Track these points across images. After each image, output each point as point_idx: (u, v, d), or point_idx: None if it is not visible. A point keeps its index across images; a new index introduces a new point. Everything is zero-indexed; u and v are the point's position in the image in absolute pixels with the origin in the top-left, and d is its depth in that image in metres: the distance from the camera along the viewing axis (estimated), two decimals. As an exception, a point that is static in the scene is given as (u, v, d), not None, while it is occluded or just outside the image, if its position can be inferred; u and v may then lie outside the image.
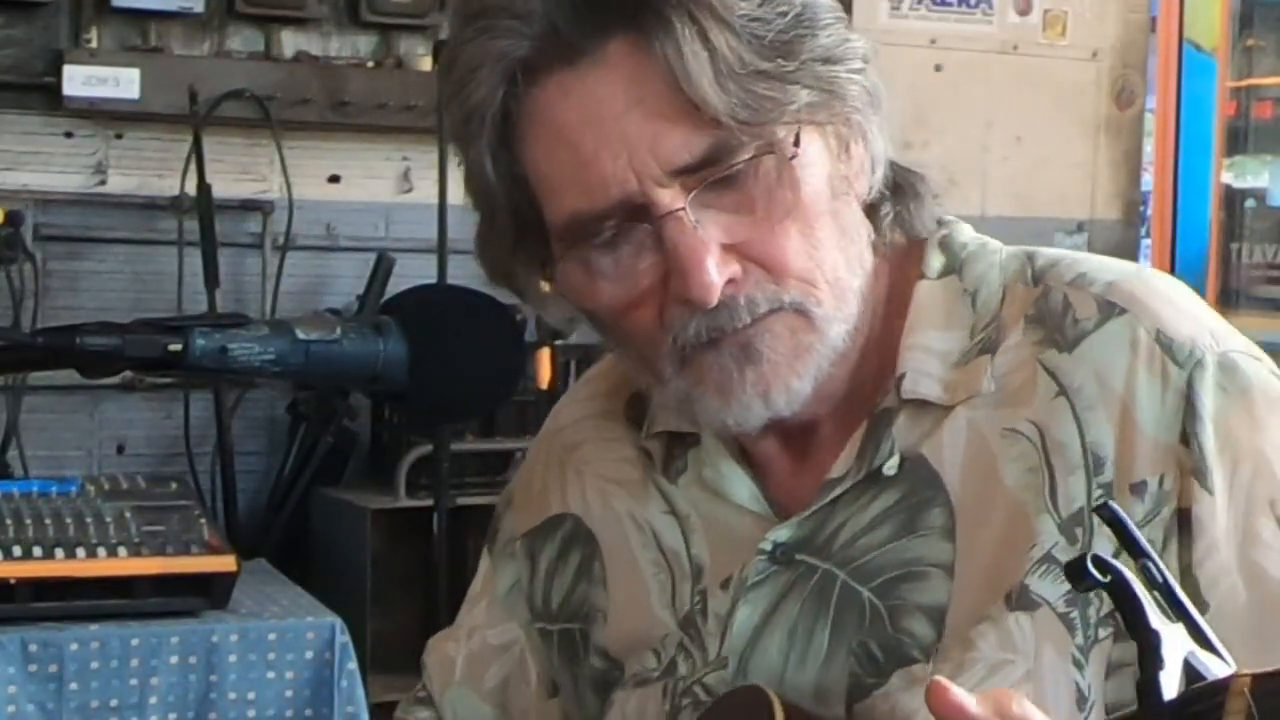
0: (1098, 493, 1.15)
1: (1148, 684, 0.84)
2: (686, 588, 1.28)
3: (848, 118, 1.18)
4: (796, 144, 1.14)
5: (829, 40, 1.15)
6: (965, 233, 1.28)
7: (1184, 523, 1.15)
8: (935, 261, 1.25)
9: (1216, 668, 0.84)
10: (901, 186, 1.24)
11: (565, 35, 1.12)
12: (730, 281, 1.14)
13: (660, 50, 1.11)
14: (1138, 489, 1.15)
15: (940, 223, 1.28)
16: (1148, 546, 0.91)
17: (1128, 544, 0.91)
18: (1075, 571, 0.88)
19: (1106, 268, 1.23)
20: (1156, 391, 1.16)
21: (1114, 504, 0.96)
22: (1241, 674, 0.80)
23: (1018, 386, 1.20)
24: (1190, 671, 0.84)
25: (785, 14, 1.14)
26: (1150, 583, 0.88)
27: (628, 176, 1.12)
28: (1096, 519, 1.13)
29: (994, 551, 1.17)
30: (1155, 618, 0.85)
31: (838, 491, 1.22)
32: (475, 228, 1.24)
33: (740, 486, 1.27)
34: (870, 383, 1.24)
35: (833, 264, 1.17)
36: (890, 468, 1.21)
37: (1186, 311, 1.20)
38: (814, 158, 1.16)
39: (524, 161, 1.17)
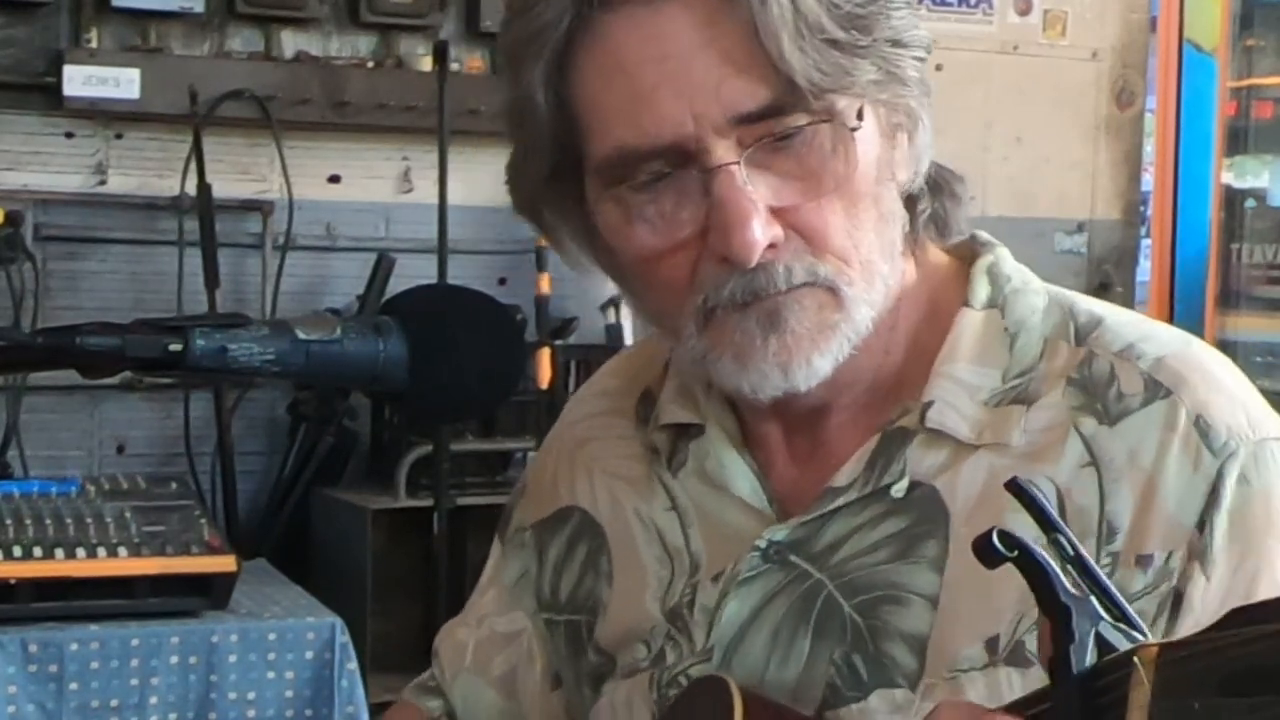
0: (1105, 561, 1.15)
1: (1058, 658, 0.84)
2: (682, 582, 1.28)
3: (904, 104, 1.18)
4: (860, 117, 1.14)
5: (900, 23, 1.16)
6: (1008, 262, 1.27)
7: (1176, 601, 1.14)
8: (981, 291, 1.25)
9: (1130, 640, 0.84)
10: (940, 185, 1.24)
11: None
12: (770, 246, 1.13)
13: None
14: (1144, 561, 1.14)
15: (983, 243, 1.28)
16: (1059, 520, 0.90)
17: (1038, 518, 0.91)
18: (982, 548, 0.88)
19: (1153, 339, 1.22)
20: (1186, 473, 1.15)
21: (1021, 478, 0.95)
22: (1148, 644, 0.80)
23: (1046, 445, 1.19)
24: (1102, 644, 0.84)
25: None
26: (1063, 557, 0.88)
27: (685, 119, 1.11)
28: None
29: (983, 595, 1.16)
30: (1065, 592, 0.85)
31: (840, 502, 1.21)
32: (510, 156, 1.23)
33: (741, 478, 1.27)
34: (890, 385, 1.23)
35: (868, 246, 1.17)
36: (899, 490, 1.20)
37: (1229, 394, 1.19)
38: (868, 136, 1.16)
39: (577, 90, 1.15)
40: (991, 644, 1.15)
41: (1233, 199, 5.32)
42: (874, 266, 1.17)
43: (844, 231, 1.15)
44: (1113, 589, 0.87)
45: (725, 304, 1.15)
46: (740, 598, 1.24)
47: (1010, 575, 1.11)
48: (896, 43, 1.16)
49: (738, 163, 1.12)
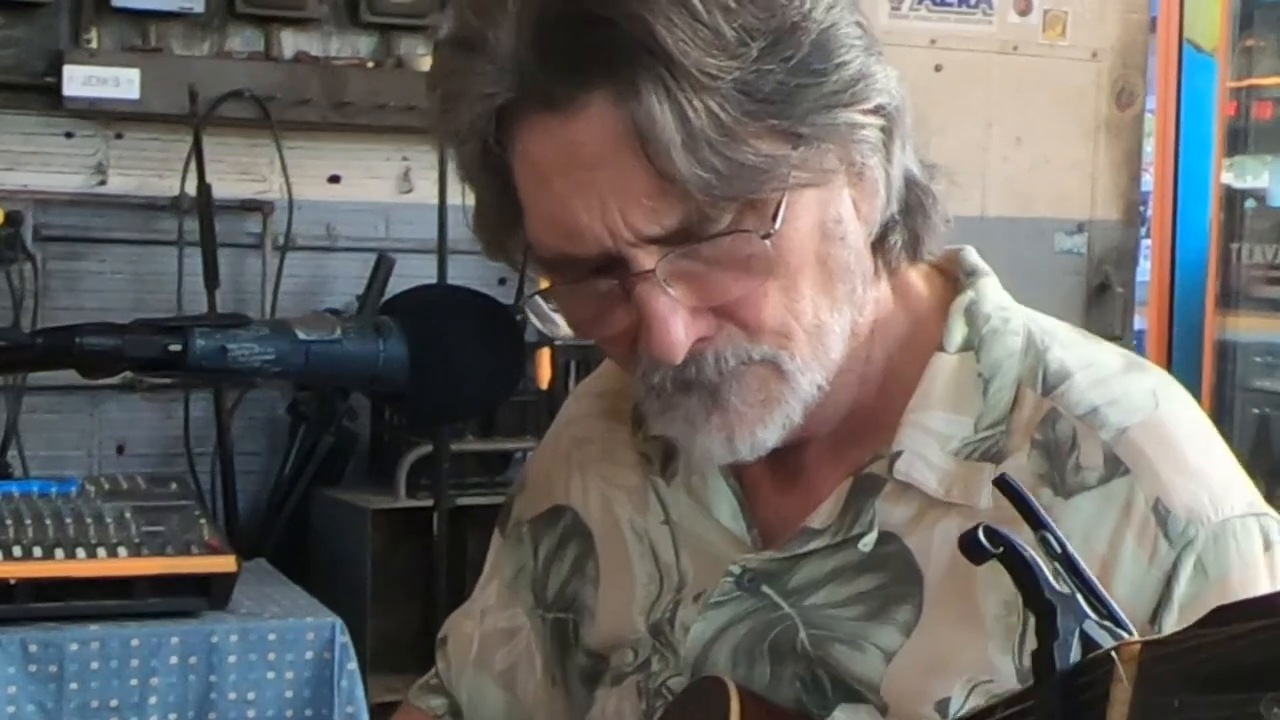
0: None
1: (1042, 654, 0.84)
2: (668, 598, 1.29)
3: (856, 153, 1.12)
4: (775, 218, 1.08)
5: (843, 78, 1.09)
6: (990, 298, 1.23)
7: None
8: (957, 334, 1.21)
9: (1115, 638, 0.84)
10: (911, 206, 1.19)
11: (543, 84, 1.07)
12: (701, 338, 1.11)
13: (631, 115, 1.05)
14: None
15: (969, 271, 1.24)
16: (1046, 518, 0.90)
17: (1026, 515, 0.90)
18: (968, 544, 0.88)
19: (1120, 403, 1.17)
20: (1141, 564, 1.12)
21: (1009, 476, 0.94)
22: (1132, 641, 0.79)
23: (1012, 514, 1.17)
24: (1087, 642, 0.84)
25: (789, 59, 1.07)
26: (1049, 554, 0.88)
27: (601, 234, 1.08)
28: None
29: (941, 658, 1.15)
30: (1050, 589, 0.85)
31: (814, 545, 1.21)
32: (473, 208, 1.21)
33: (723, 501, 1.26)
34: (868, 417, 1.21)
35: (813, 311, 1.13)
36: (866, 544, 1.19)
37: (1193, 471, 1.15)
38: (801, 211, 1.10)
39: (513, 174, 1.13)
40: (942, 707, 1.14)
41: (1233, 199, 5.32)
42: (822, 328, 1.13)
43: (781, 308, 1.12)
44: (1099, 587, 0.87)
45: (658, 388, 1.14)
46: (708, 620, 1.24)
47: (978, 655, 1.12)
48: (834, 106, 1.08)
49: (654, 270, 1.08)
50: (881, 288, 1.21)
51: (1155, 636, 0.79)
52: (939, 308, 1.23)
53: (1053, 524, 0.89)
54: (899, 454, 1.19)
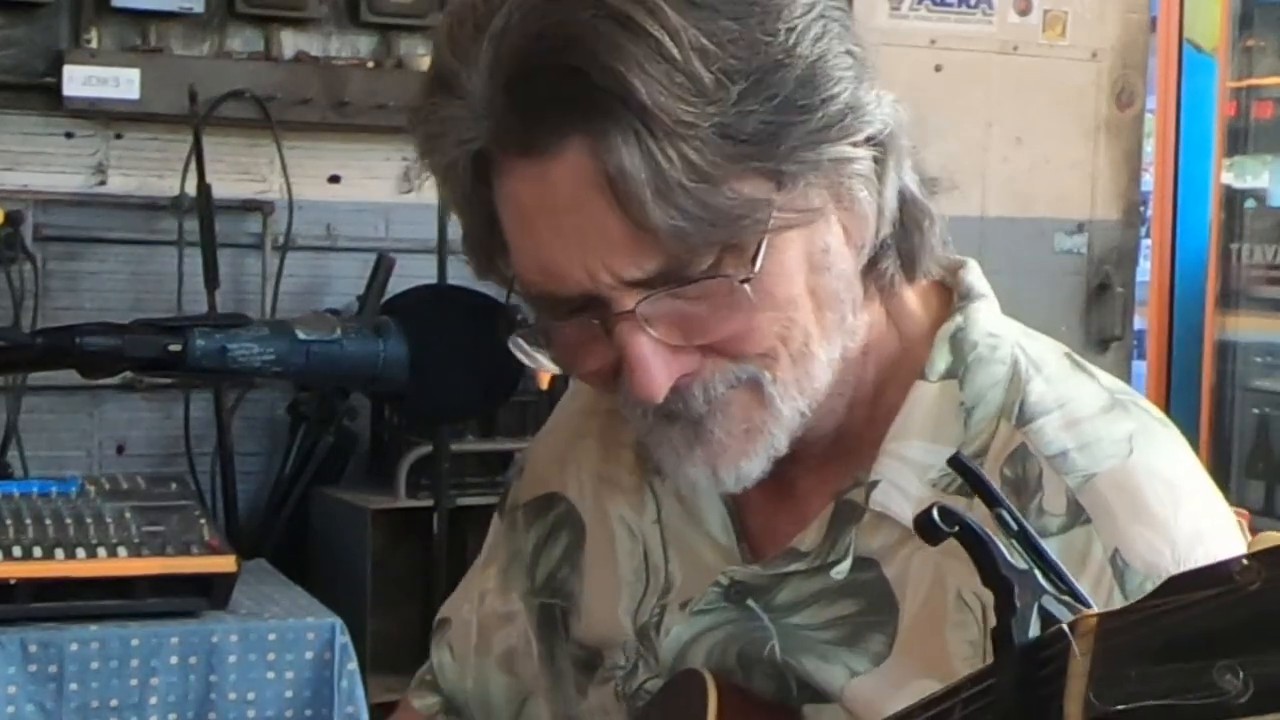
0: None
1: (1000, 631, 0.83)
2: (653, 600, 1.29)
3: (842, 192, 1.10)
4: (754, 262, 1.07)
5: (830, 113, 1.07)
6: (980, 324, 1.21)
7: None
8: (940, 362, 1.19)
9: (1074, 612, 0.83)
10: (906, 225, 1.17)
11: (518, 132, 1.06)
12: (685, 374, 1.10)
13: (604, 165, 1.04)
14: None
15: (963, 295, 1.22)
16: (1000, 495, 0.89)
17: (981, 492, 0.90)
18: (924, 525, 0.87)
19: (1091, 448, 1.14)
20: None
21: (963, 456, 0.93)
22: (1089, 614, 0.79)
23: None
24: (1046, 616, 0.83)
25: (773, 98, 1.05)
26: (1006, 530, 0.87)
27: (582, 275, 1.07)
28: None
29: (901, 687, 1.14)
30: (1007, 565, 0.85)
31: (796, 566, 1.20)
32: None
33: (713, 514, 1.26)
34: (855, 438, 1.20)
35: (801, 338, 1.11)
36: (839, 572, 1.18)
37: (1157, 524, 1.11)
38: (785, 247, 1.09)
39: (497, 207, 1.13)
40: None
41: (1233, 199, 5.33)
42: (809, 356, 1.12)
43: (770, 335, 1.10)
44: (1057, 562, 0.86)
45: (641, 419, 1.14)
46: (689, 624, 1.25)
47: (934, 686, 1.09)
48: (822, 142, 1.07)
49: (634, 311, 1.07)
50: (875, 310, 1.19)
51: (1111, 609, 0.78)
52: (931, 331, 1.21)
53: (1007, 501, 0.89)
54: (876, 483, 1.18)
